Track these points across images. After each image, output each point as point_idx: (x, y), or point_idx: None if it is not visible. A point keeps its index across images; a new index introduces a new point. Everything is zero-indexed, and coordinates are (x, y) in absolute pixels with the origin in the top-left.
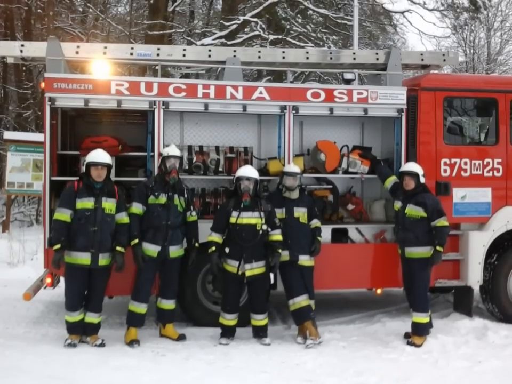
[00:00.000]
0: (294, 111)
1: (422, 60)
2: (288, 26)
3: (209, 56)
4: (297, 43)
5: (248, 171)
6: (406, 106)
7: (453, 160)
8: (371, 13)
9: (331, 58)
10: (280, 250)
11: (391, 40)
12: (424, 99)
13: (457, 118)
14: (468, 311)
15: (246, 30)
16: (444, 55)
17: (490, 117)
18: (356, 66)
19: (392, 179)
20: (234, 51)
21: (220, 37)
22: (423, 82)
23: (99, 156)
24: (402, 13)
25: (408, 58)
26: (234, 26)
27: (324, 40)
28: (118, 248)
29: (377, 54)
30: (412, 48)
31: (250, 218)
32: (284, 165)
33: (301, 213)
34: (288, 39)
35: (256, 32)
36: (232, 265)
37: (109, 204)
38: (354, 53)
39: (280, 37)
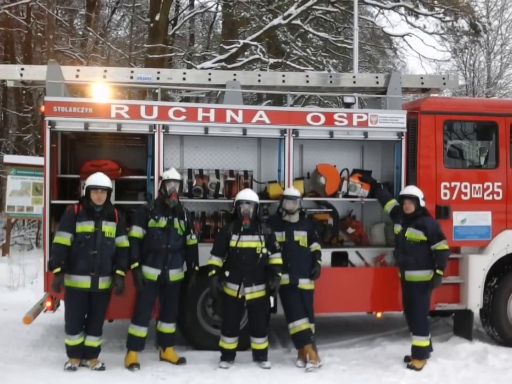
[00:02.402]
0: (294, 135)
1: (422, 83)
2: (288, 50)
3: (209, 79)
4: (297, 66)
5: (248, 194)
6: (406, 129)
7: (453, 184)
8: (371, 36)
9: (331, 81)
10: (280, 274)
11: (391, 64)
12: (424, 122)
13: (457, 141)
14: (467, 334)
15: (246, 53)
16: (443, 78)
17: (490, 141)
18: (356, 90)
19: (392, 202)
20: (234, 74)
21: (220, 61)
22: (423, 106)
23: (99, 179)
24: (402, 36)
25: (408, 82)
26: (234, 49)
27: (324, 63)
28: (118, 271)
29: (377, 77)
30: (412, 71)
31: (250, 241)
32: (283, 189)
33: (301, 236)
34: (288, 62)
35: (256, 56)
36: (232, 289)
37: (109, 228)
38: (354, 77)
39: (280, 60)
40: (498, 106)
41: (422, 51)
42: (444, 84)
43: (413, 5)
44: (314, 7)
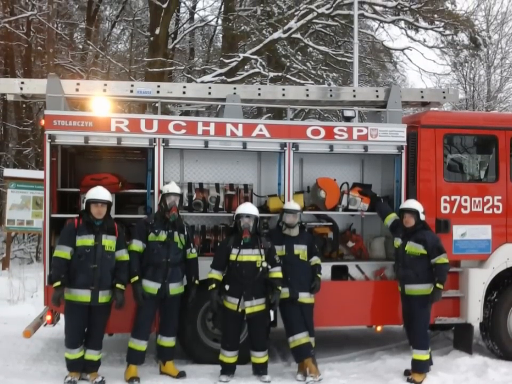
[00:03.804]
0: (294, 148)
1: (422, 97)
2: (288, 64)
3: (209, 93)
4: (297, 80)
5: (248, 208)
6: (406, 143)
7: (453, 198)
8: (371, 50)
9: (331, 95)
10: (280, 288)
11: (391, 77)
12: (424, 136)
13: (457, 155)
14: (467, 348)
15: (246, 67)
16: (444, 92)
17: (490, 154)
18: (356, 104)
19: (392, 216)
20: (234, 88)
21: (220, 74)
22: (423, 120)
23: (99, 193)
24: (402, 50)
25: (408, 96)
26: (234, 63)
27: (323, 77)
28: (118, 285)
29: (377, 91)
30: (412, 85)
31: (250, 255)
32: (284, 202)
33: (301, 250)
34: (288, 76)
35: (256, 69)
36: (232, 303)
37: (109, 241)
38: (354, 90)
39: (280, 74)
40: (498, 120)
41: (422, 65)
42: (444, 97)
43: (413, 19)
44: (314, 21)
